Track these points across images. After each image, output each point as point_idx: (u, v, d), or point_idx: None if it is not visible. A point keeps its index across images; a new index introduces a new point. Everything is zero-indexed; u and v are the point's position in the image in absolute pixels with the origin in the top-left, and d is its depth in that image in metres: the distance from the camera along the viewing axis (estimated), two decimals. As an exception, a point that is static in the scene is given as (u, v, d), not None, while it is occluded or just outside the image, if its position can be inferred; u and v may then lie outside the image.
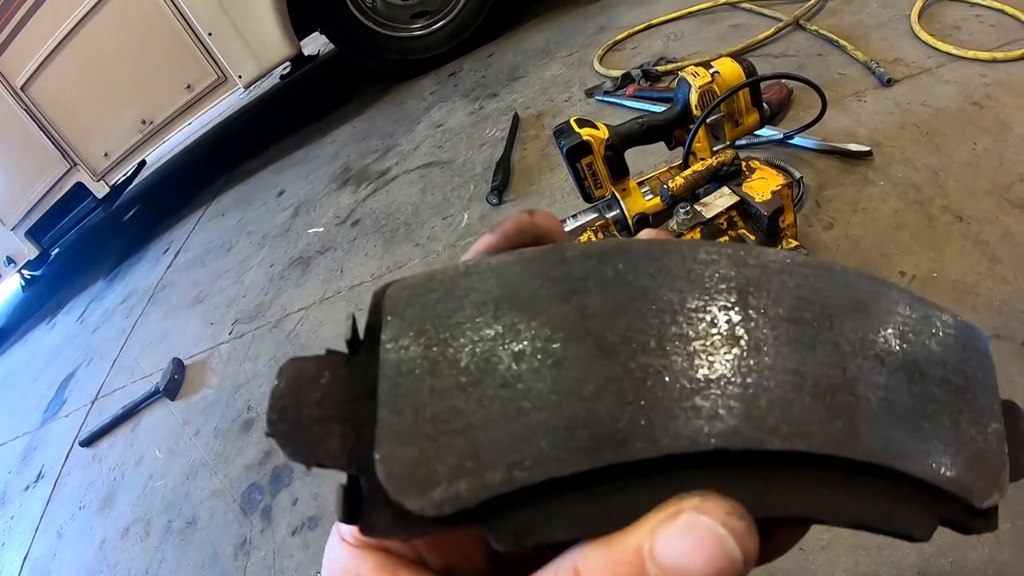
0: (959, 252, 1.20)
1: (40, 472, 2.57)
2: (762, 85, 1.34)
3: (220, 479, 1.70)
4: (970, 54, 1.57)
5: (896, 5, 1.92)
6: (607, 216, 1.37)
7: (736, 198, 1.18)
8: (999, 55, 1.53)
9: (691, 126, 1.27)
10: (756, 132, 1.61)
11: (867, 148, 1.47)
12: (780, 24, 2.06)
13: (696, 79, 1.28)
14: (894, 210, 1.33)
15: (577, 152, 1.28)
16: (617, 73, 2.27)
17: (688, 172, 1.21)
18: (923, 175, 1.38)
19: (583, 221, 1.41)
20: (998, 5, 1.68)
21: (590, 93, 2.31)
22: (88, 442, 2.36)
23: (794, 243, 1.19)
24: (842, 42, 1.83)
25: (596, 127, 1.30)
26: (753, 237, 1.17)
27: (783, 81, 1.75)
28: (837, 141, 1.52)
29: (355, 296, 2.01)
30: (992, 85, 1.49)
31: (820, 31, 1.94)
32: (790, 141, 1.60)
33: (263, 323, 2.13)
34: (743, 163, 1.23)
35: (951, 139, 1.42)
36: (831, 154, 1.53)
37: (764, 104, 1.32)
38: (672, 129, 1.35)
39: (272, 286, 2.31)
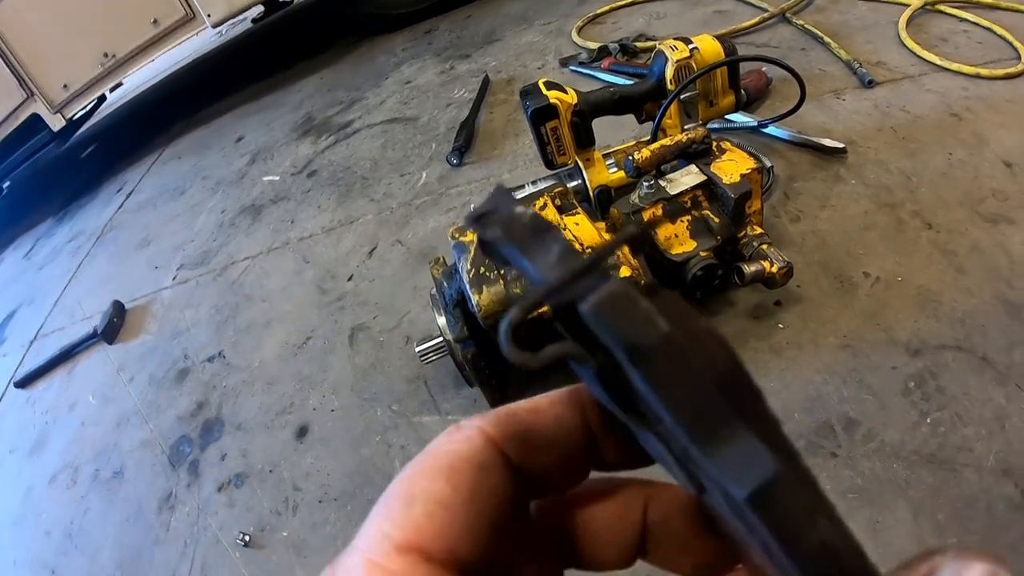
0: (926, 259, 1.17)
1: (-27, 409, 2.47)
2: (741, 71, 1.29)
3: (150, 429, 1.62)
4: (954, 66, 1.55)
5: (884, 10, 1.88)
6: (568, 185, 1.30)
7: (703, 177, 1.12)
8: (983, 71, 1.51)
9: (664, 101, 1.22)
10: (730, 117, 1.57)
11: (842, 145, 1.44)
12: (765, 15, 2.02)
13: (674, 53, 1.22)
14: (864, 210, 1.30)
15: (542, 115, 1.21)
16: (594, 45, 2.20)
17: (655, 145, 1.15)
18: (896, 179, 1.35)
19: (541, 187, 1.34)
20: (987, 23, 1.66)
21: (565, 63, 2.24)
22: (23, 383, 2.26)
23: (758, 230, 1.14)
24: (826, 39, 1.80)
25: (565, 91, 1.23)
26: (717, 219, 1.12)
27: (763, 69, 1.71)
28: (812, 135, 1.49)
29: (304, 248, 1.92)
30: (973, 99, 1.46)
31: (805, 26, 1.90)
32: (764, 130, 1.56)
33: (208, 270, 2.04)
34: (714, 143, 1.17)
35: (927, 147, 1.39)
36: (805, 147, 1.49)
37: (742, 89, 1.27)
38: (644, 102, 1.29)
39: (221, 233, 2.21)
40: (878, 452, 0.92)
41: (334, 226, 1.95)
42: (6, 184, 3.73)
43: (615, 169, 1.35)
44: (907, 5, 1.80)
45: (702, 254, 1.10)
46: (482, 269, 1.06)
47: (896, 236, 1.23)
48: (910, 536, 0.84)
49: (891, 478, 0.89)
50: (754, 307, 1.21)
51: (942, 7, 1.78)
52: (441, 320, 1.16)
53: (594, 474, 0.27)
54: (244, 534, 1.31)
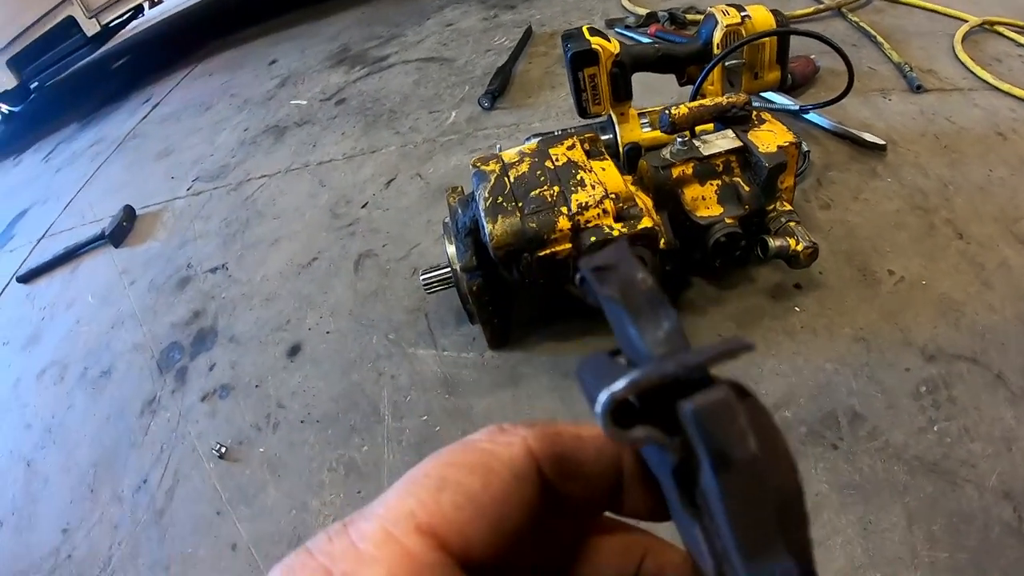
0: (953, 268, 1.13)
1: (-28, 306, 2.47)
2: (791, 55, 1.25)
3: (144, 333, 1.60)
4: (1006, 87, 1.50)
5: (942, 22, 1.82)
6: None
7: (739, 143, 1.07)
8: (1035, 97, 1.45)
9: (707, 65, 1.18)
10: (772, 98, 1.54)
11: (883, 142, 1.39)
12: (821, 6, 1.97)
13: (725, 17, 1.19)
14: (896, 209, 1.25)
15: (582, 59, 1.16)
16: (643, 11, 2.15)
17: (694, 103, 1.10)
18: (933, 184, 1.30)
19: (571, 129, 1.30)
20: (1044, 51, 1.60)
21: (611, 24, 2.19)
22: (26, 279, 2.25)
23: (788, 207, 1.09)
24: (880, 39, 1.76)
25: (608, 40, 1.18)
26: (748, 188, 1.07)
27: (812, 56, 1.66)
28: (853, 128, 1.44)
29: (322, 172, 1.88)
30: (1020, 122, 1.41)
31: (860, 23, 1.85)
32: (805, 115, 1.51)
33: (223, 184, 2.00)
34: (753, 112, 1.12)
35: (968, 159, 1.34)
36: (843, 139, 1.45)
37: (788, 72, 1.23)
38: (687, 63, 1.25)
39: (241, 150, 2.18)
40: (880, 451, 0.90)
41: (355, 154, 1.91)
42: (34, 85, 3.71)
43: (648, 129, 1.30)
44: (965, 21, 1.74)
45: (727, 220, 1.05)
46: (499, 199, 1.02)
47: (925, 240, 1.19)
48: (902, 542, 0.81)
49: (890, 480, 0.87)
50: (773, 286, 1.17)
51: (1000, 28, 1.72)
52: (451, 249, 1.12)
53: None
54: (221, 445, 1.29)
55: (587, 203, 0.97)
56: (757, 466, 0.18)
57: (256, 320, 1.46)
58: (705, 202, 1.08)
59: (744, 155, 1.08)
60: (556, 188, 1.00)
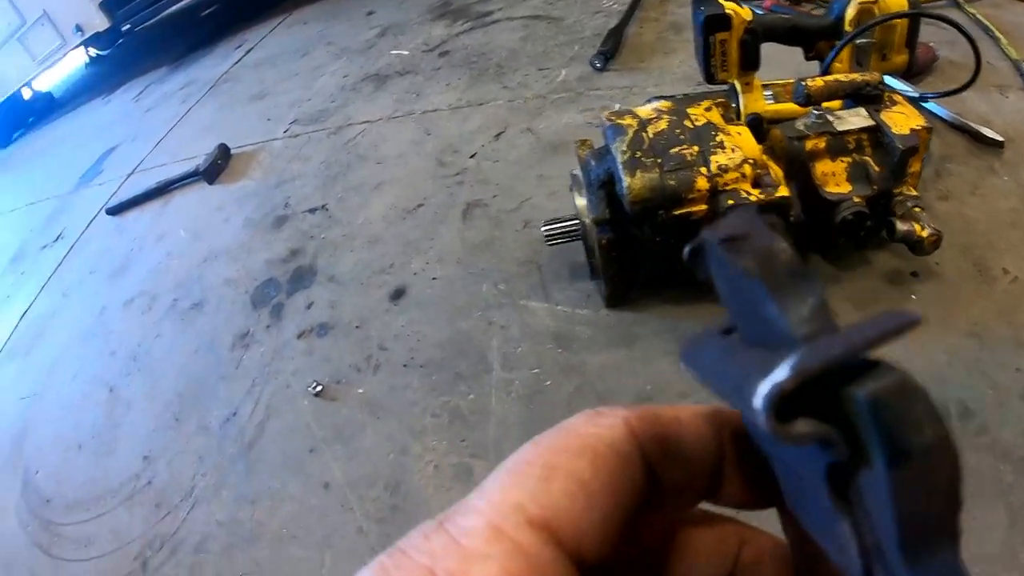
0: None
1: (60, 233, 2.49)
2: None
3: (238, 268, 1.58)
4: None
5: None
6: (724, 105, 1.23)
7: (872, 122, 1.03)
8: None
9: (838, 42, 1.14)
10: (891, 83, 1.47)
11: (1000, 139, 1.32)
12: None
13: None
14: (1012, 207, 1.19)
15: (716, 23, 1.12)
16: (760, -17, 2.05)
17: (830, 77, 1.07)
18: None
19: (700, 91, 1.27)
20: None
21: (726, -6, 2.08)
22: (115, 211, 2.26)
23: (914, 192, 1.04)
24: (998, 34, 1.65)
25: (740, 5, 1.15)
26: (878, 169, 1.03)
27: (931, 44, 1.58)
28: (971, 121, 1.37)
29: (427, 121, 1.84)
30: None
31: (978, 16, 1.74)
32: (924, 103, 1.44)
33: (322, 127, 1.98)
34: (885, 94, 1.08)
35: None
36: (961, 131, 1.37)
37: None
38: (818, 38, 1.21)
39: (341, 95, 2.15)
40: (988, 448, 0.87)
41: (462, 105, 1.86)
42: (126, 28, 3.75)
43: (771, 101, 1.26)
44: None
45: (855, 199, 1.02)
46: (638, 154, 0.99)
47: (1041, 242, 1.13)
48: (1002, 542, 0.77)
49: (995, 478, 0.84)
50: (891, 272, 1.12)
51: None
52: (581, 201, 1.09)
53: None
54: (317, 383, 1.25)
55: (727, 165, 0.96)
56: (932, 458, 0.17)
57: (357, 262, 1.42)
58: (835, 178, 1.05)
59: (876, 135, 1.04)
60: (695, 148, 0.98)
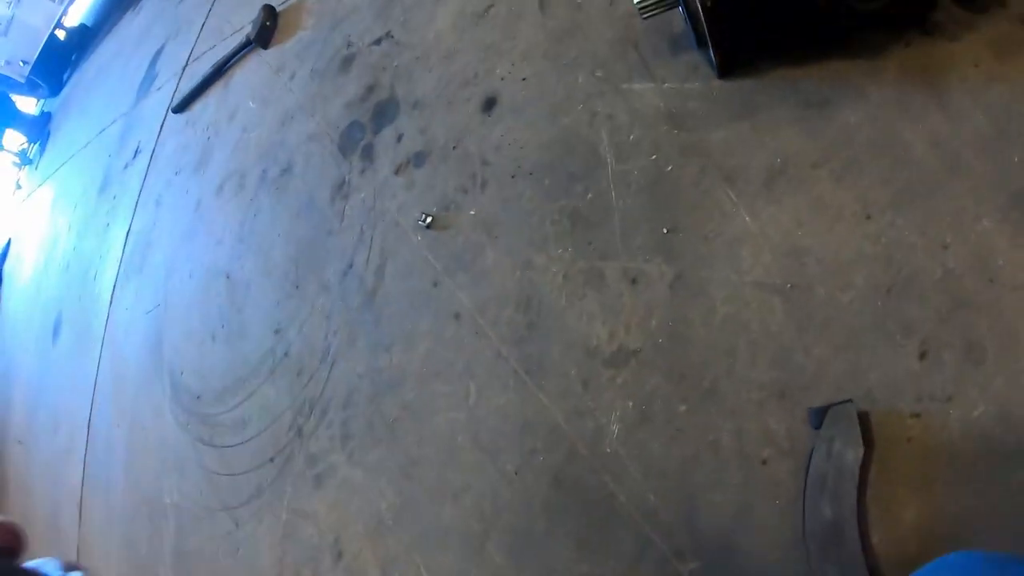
0: None
1: (137, 148, 2.49)
2: None
3: (317, 121, 1.50)
4: None
5: None
6: None
7: None
8: None
9: None
10: None
11: None
12: None
13: None
14: None
15: None
16: None
17: None
18: None
19: None
20: None
21: None
22: (180, 107, 2.21)
23: None
24: None
25: None
26: None
27: None
28: None
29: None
30: None
31: None
32: None
33: (363, -44, 1.82)
34: None
35: None
36: None
37: None
38: None
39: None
40: None
41: None
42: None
43: None
44: None
45: None
46: None
47: None
48: None
49: None
50: None
51: None
52: None
53: None
54: (426, 215, 1.18)
55: None
56: None
57: (438, 80, 1.31)
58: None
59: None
60: None
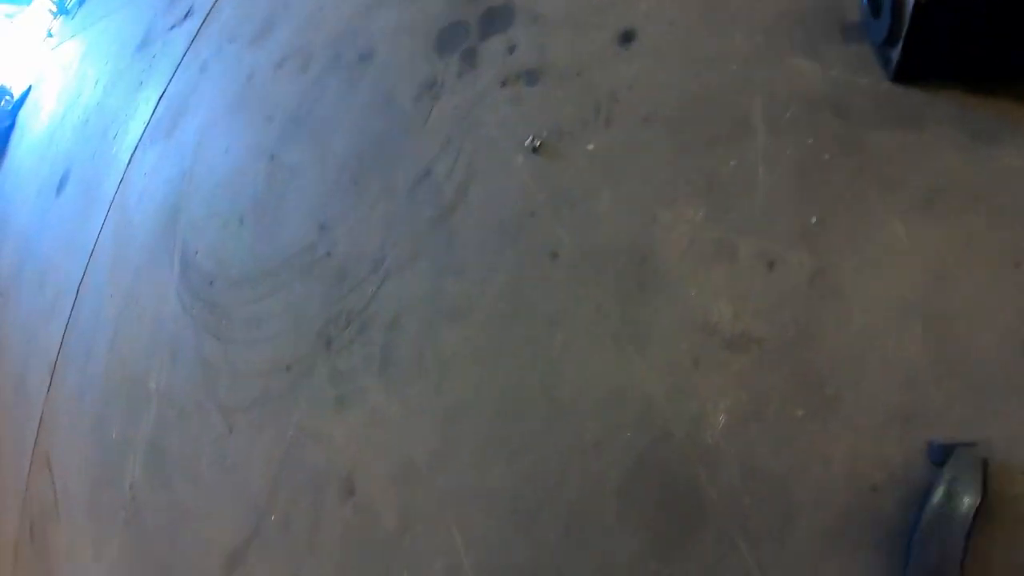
0: None
1: (189, 9, 2.31)
2: None
3: (412, 13, 1.35)
4: None
5: None
6: None
7: None
8: None
9: None
10: None
11: None
12: None
13: None
14: None
15: None
16: None
17: None
18: None
19: None
20: None
21: None
22: (249, -26, 2.05)
23: None
24: None
25: None
26: None
27: None
28: None
29: None
30: None
31: None
32: None
33: None
34: None
35: None
36: None
37: None
38: None
39: None
40: None
41: None
42: None
43: None
44: None
45: None
46: None
47: None
48: None
49: None
50: None
51: None
52: None
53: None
54: (535, 138, 1.04)
55: None
56: None
57: (570, -2, 1.16)
58: None
59: None
60: None
